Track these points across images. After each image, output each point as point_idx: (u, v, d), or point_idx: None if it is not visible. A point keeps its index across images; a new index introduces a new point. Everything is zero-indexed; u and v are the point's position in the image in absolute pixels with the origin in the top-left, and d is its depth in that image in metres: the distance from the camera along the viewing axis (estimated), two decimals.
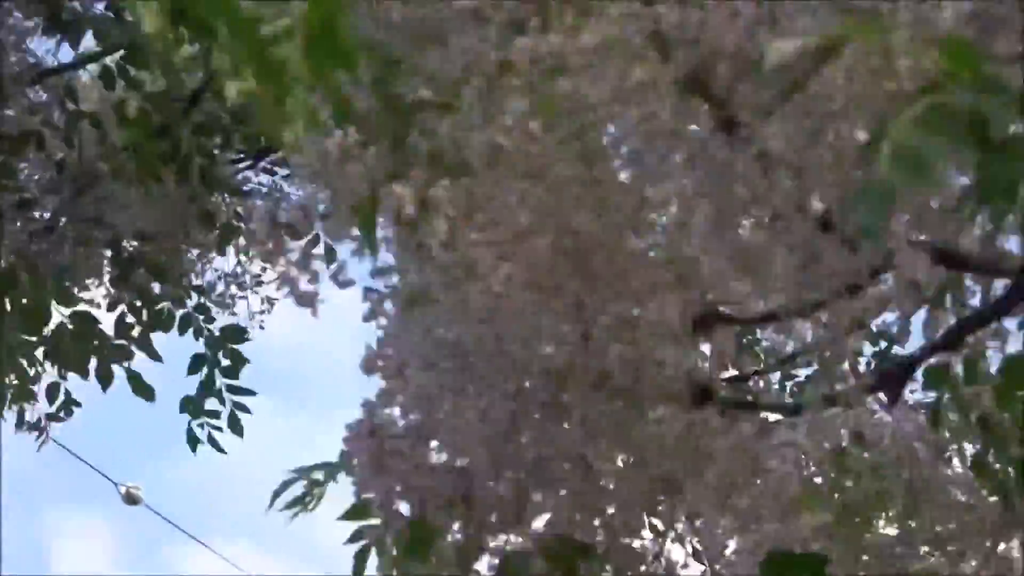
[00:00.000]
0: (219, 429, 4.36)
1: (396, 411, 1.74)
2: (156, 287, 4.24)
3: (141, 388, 4.25)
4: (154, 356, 4.34)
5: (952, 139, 1.12)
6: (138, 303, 4.28)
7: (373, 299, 1.55)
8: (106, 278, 4.20)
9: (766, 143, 1.35)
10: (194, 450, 4.35)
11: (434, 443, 1.74)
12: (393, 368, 1.66)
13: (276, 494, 2.31)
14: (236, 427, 4.33)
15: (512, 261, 1.40)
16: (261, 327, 4.43)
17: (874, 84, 1.34)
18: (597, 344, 1.48)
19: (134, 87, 4.00)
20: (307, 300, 1.49)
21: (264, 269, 4.38)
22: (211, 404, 4.37)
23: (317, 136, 1.36)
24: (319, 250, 1.50)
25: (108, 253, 4.16)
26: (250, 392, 4.34)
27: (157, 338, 4.38)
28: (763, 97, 1.40)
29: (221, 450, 4.36)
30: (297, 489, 2.40)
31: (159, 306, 4.30)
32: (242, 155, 4.37)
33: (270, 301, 4.45)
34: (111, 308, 4.27)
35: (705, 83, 1.45)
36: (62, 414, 4.32)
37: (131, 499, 7.43)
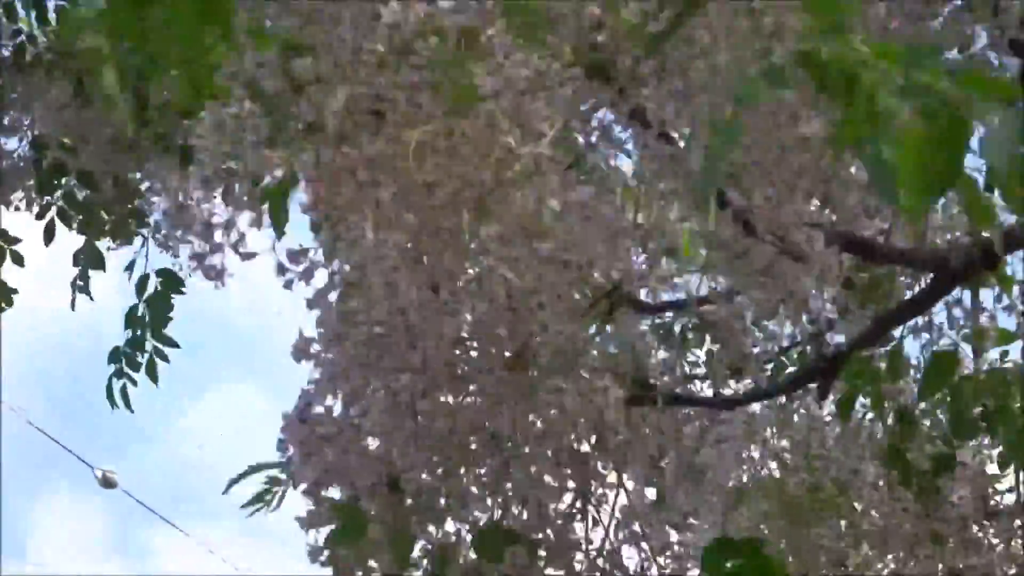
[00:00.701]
0: (134, 382, 4.10)
1: (331, 399, 1.75)
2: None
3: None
4: (88, 295, 4.19)
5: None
6: (69, 210, 4.06)
7: (291, 277, 1.56)
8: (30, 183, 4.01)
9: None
10: (112, 407, 4.08)
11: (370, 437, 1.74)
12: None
13: (231, 484, 2.31)
14: (152, 373, 4.06)
15: (393, 227, 1.40)
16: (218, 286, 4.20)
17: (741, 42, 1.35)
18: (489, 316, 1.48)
19: None
20: (215, 274, 1.50)
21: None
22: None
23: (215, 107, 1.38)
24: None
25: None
26: (174, 344, 4.07)
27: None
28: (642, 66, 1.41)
29: (129, 407, 4.10)
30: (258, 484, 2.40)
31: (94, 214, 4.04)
32: None
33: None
34: (39, 216, 4.07)
35: (604, 67, 1.47)
36: None
37: (107, 483, 7.39)
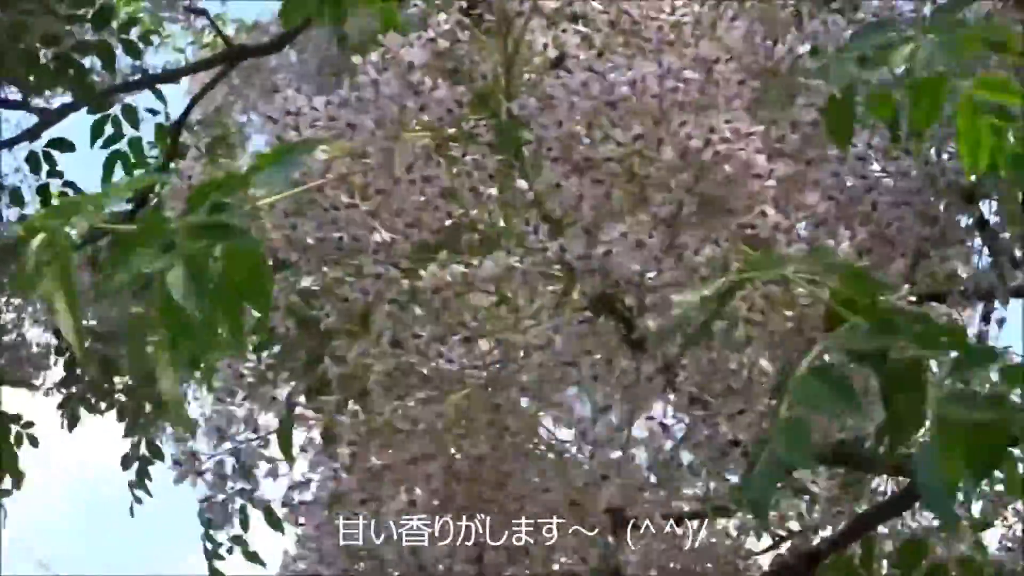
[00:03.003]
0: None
1: None
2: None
3: None
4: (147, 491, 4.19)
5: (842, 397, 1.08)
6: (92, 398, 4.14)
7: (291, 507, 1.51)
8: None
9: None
10: None
11: None
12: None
13: None
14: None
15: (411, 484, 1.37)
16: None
17: (775, 316, 1.32)
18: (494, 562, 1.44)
19: None
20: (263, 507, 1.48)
21: None
22: None
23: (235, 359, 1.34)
24: None
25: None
26: None
27: None
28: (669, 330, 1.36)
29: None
30: None
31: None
32: None
33: None
34: (62, 405, 4.15)
35: (612, 302, 1.43)
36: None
37: None
